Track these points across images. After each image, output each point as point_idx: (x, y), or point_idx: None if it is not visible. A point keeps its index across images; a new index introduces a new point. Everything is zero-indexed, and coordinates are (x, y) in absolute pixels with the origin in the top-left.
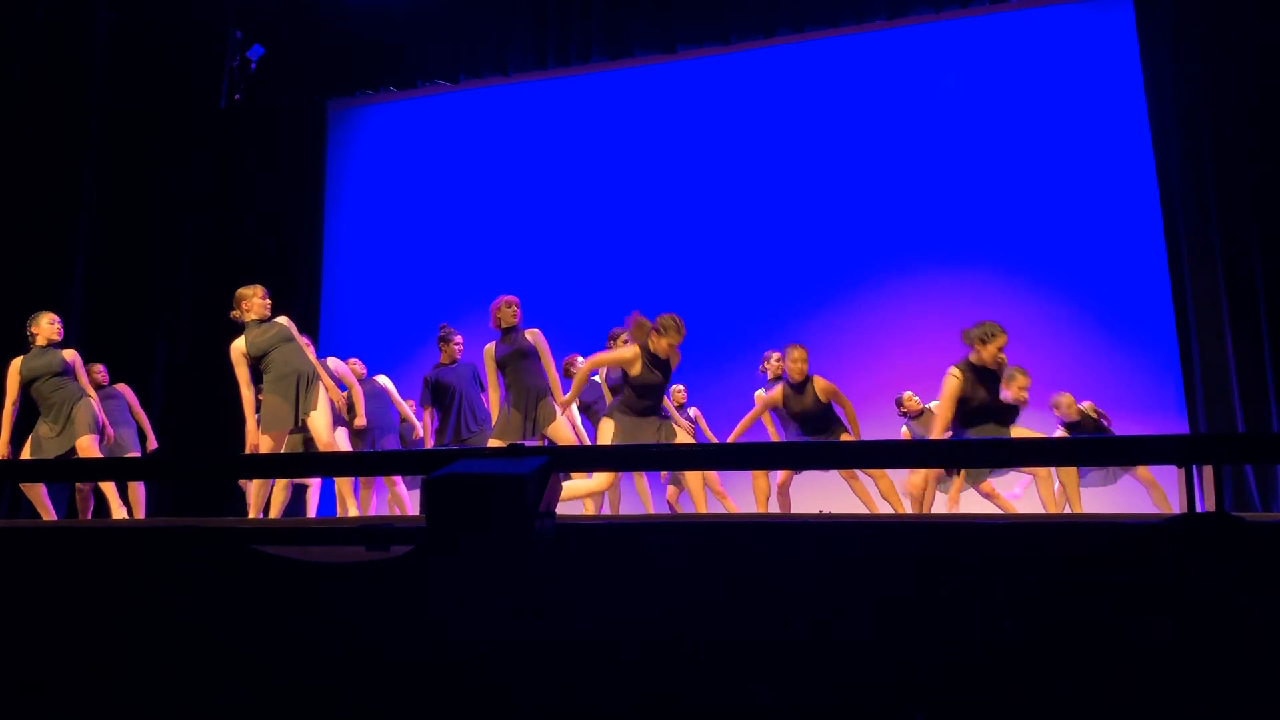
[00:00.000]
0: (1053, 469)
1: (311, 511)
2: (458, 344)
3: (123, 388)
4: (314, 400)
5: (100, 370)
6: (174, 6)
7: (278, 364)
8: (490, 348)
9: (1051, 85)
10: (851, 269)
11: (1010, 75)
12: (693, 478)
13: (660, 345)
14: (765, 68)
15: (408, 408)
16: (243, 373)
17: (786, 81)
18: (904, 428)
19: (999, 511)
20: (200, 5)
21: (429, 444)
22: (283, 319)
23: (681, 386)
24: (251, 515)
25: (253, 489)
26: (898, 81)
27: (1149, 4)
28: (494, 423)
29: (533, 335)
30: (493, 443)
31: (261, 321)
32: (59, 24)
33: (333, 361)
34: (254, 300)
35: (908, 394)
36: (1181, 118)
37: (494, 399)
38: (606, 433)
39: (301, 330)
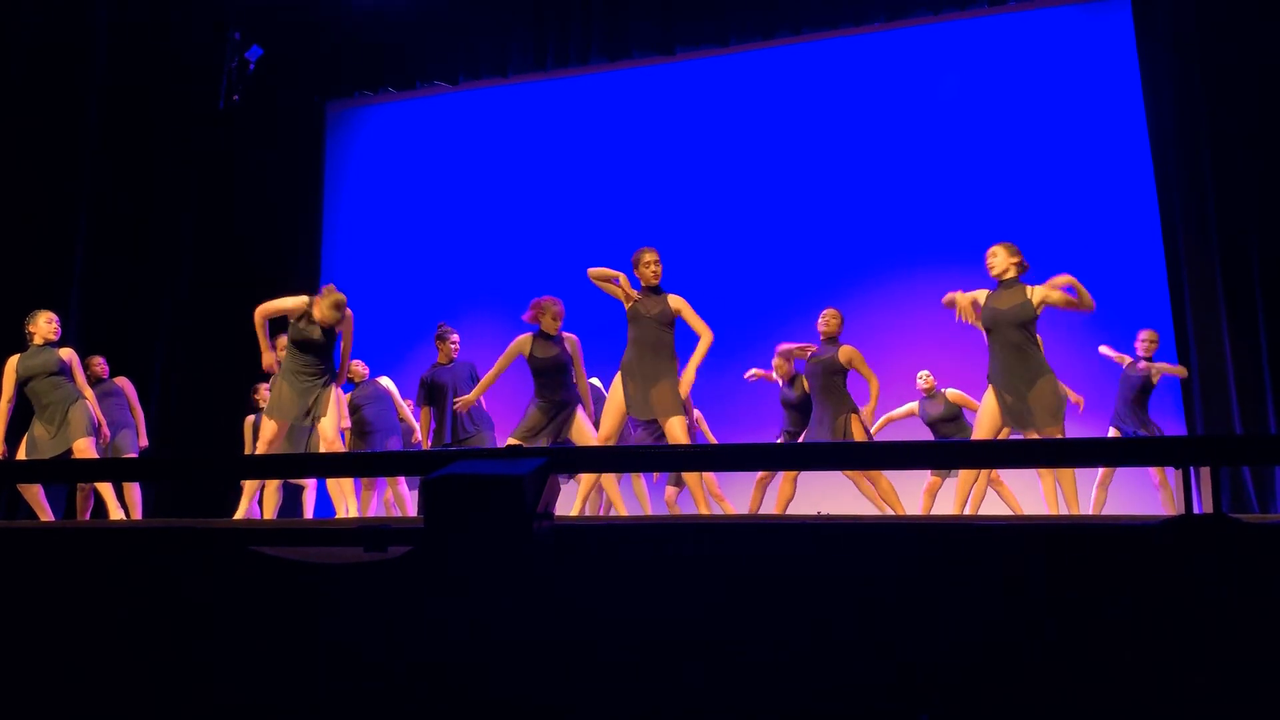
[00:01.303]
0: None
1: (309, 512)
2: (454, 343)
3: (123, 382)
4: (325, 405)
5: (100, 363)
6: (173, 8)
7: (307, 358)
8: (527, 342)
9: (1050, 87)
10: (850, 270)
11: (1009, 77)
12: (692, 478)
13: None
14: (764, 69)
15: (408, 409)
16: (264, 327)
17: (785, 83)
18: (915, 403)
19: (1004, 512)
20: (199, 6)
21: (425, 445)
22: (346, 325)
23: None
24: (243, 507)
25: (248, 482)
26: (896, 83)
27: (1147, 6)
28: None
29: (571, 345)
30: (512, 440)
31: (323, 328)
32: (58, 25)
33: None
34: (326, 308)
35: (924, 372)
36: (1180, 119)
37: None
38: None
39: None
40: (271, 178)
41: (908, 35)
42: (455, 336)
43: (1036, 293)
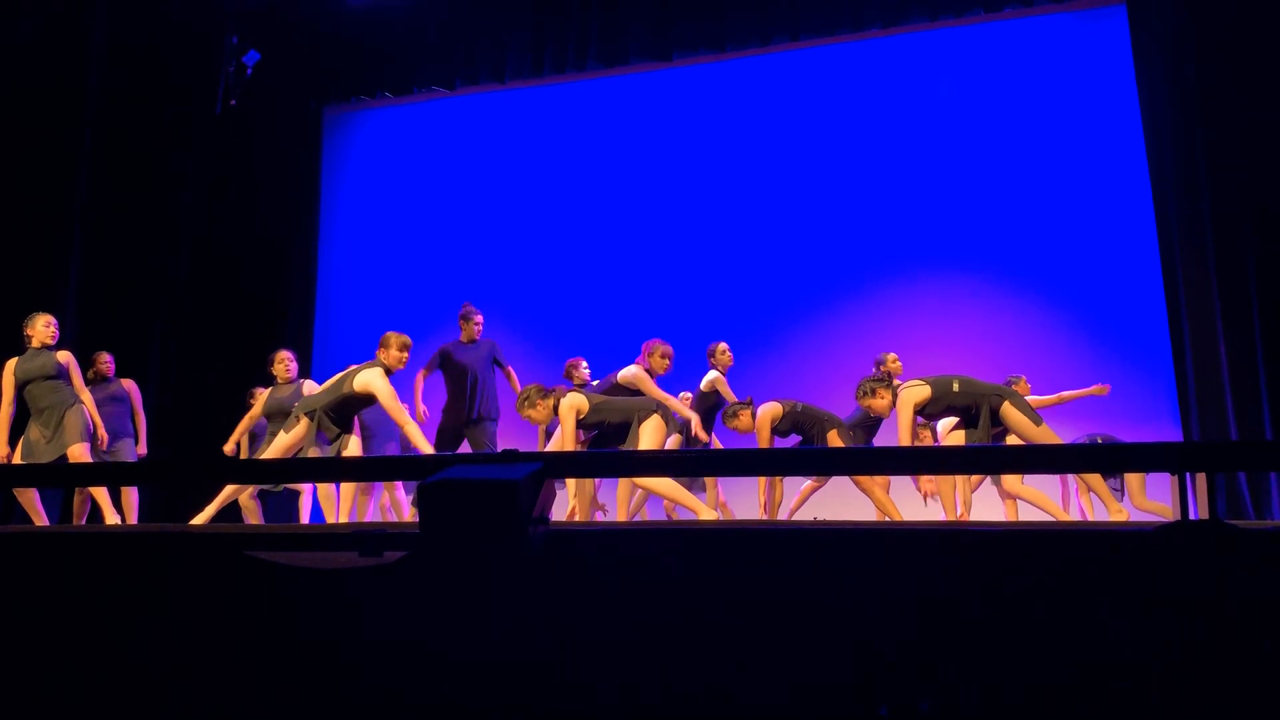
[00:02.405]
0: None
1: (305, 517)
2: (478, 323)
3: (129, 385)
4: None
5: (106, 360)
6: (170, 13)
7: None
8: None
9: (1046, 94)
10: (848, 276)
11: (1005, 84)
12: (665, 485)
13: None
14: (761, 75)
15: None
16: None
17: (783, 89)
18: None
19: (1002, 518)
20: (196, 11)
21: (419, 409)
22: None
23: (688, 394)
24: (210, 511)
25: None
26: (894, 90)
27: (1142, 14)
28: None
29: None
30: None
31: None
32: (55, 29)
33: (308, 384)
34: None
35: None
36: (1175, 126)
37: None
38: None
39: (297, 337)
40: (269, 182)
41: (905, 42)
42: (479, 317)
43: (898, 394)
